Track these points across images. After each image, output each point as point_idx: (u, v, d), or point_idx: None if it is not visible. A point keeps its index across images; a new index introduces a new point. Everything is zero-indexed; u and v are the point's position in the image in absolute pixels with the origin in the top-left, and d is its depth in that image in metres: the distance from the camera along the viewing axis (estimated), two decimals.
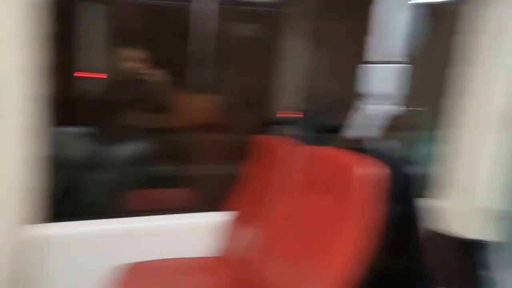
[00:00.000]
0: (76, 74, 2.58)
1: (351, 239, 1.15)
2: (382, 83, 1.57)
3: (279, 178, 1.62)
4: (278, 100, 2.69)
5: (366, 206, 1.16)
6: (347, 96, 1.79)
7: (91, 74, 2.60)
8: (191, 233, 1.87)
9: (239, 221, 1.82)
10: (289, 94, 2.66)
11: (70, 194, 2.33)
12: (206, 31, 2.79)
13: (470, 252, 1.69)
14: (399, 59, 1.59)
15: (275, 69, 2.68)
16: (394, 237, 1.20)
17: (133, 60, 2.54)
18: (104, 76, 2.61)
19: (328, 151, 1.44)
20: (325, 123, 1.80)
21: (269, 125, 2.15)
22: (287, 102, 2.64)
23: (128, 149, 2.55)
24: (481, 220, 1.66)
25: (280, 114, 2.60)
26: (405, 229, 1.30)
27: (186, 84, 2.87)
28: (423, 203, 1.34)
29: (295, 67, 2.64)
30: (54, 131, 1.78)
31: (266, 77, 2.81)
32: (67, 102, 2.47)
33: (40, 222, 1.61)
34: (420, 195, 1.37)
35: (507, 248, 1.65)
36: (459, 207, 1.72)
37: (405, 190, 1.29)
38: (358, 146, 1.37)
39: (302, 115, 2.48)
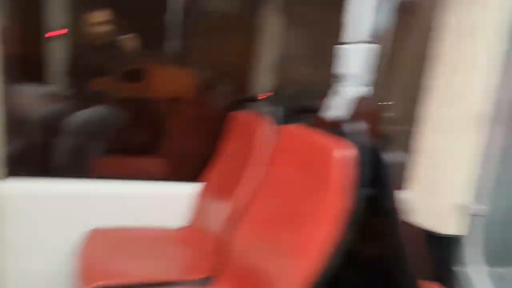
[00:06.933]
0: (48, 34, 2.45)
1: (326, 221, 1.16)
2: (356, 63, 1.59)
3: (253, 154, 1.62)
4: (254, 79, 2.68)
5: (343, 190, 1.17)
6: (323, 78, 1.80)
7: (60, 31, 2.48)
8: (162, 202, 1.84)
9: (211, 194, 1.81)
10: (265, 74, 2.65)
11: (31, 153, 2.24)
12: (184, 2, 2.73)
13: (439, 246, 1.75)
14: (371, 40, 1.61)
15: (252, 47, 2.66)
16: (368, 223, 1.22)
17: (105, 23, 2.46)
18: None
19: (305, 131, 1.43)
20: (299, 103, 1.80)
21: (244, 102, 2.13)
22: (263, 82, 2.64)
23: (96, 114, 2.48)
24: (451, 215, 1.71)
25: (255, 93, 2.60)
26: (381, 216, 1.32)
27: (160, 55, 2.80)
28: (397, 193, 1.38)
29: (272, 47, 2.63)
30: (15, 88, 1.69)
31: (242, 55, 2.79)
32: (32, 60, 2.37)
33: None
34: (394, 184, 1.40)
35: (473, 243, 1.71)
36: (429, 201, 1.77)
37: (381, 176, 1.31)
38: (334, 128, 1.37)
39: (277, 95, 2.49)
